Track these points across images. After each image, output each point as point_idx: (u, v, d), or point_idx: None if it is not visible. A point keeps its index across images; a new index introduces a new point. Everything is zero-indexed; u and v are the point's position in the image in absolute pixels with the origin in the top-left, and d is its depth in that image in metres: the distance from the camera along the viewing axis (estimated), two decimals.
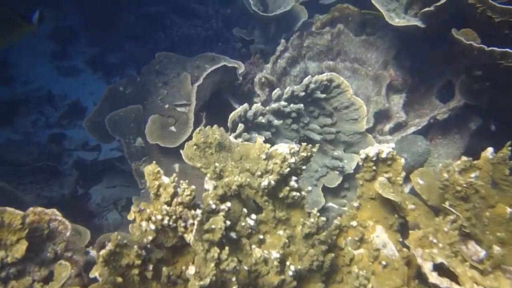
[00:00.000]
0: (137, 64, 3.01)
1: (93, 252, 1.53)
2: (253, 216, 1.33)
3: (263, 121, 1.77)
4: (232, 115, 1.67)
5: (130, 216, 1.09)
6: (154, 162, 1.15)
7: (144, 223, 1.08)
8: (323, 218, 1.32)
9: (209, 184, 1.39)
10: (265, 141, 1.84)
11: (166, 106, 2.03)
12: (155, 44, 2.96)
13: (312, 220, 1.30)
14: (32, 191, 2.33)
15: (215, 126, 1.54)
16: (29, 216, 1.11)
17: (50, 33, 3.71)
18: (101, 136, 2.10)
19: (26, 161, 2.37)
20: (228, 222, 1.23)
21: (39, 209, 1.13)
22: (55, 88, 3.21)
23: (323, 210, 1.93)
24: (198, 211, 1.14)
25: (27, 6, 2.25)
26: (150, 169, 1.14)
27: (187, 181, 1.15)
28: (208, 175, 1.39)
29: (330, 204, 1.99)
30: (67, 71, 3.42)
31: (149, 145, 1.96)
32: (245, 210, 1.34)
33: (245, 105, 1.72)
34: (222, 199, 1.31)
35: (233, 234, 1.29)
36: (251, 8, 2.36)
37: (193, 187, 1.14)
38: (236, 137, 1.63)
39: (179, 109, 2.01)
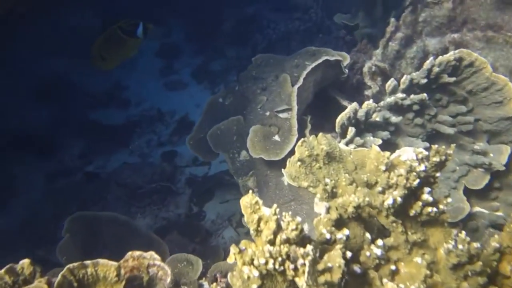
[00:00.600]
0: (238, 70, 2.92)
1: (206, 285, 1.43)
2: (380, 242, 1.08)
3: (378, 119, 1.49)
4: (340, 118, 1.43)
5: (230, 259, 0.94)
6: (250, 192, 0.98)
7: (246, 269, 0.91)
8: (476, 245, 1.01)
9: (320, 207, 1.18)
10: (384, 143, 1.57)
11: (267, 113, 1.87)
12: (253, 47, 2.83)
13: (460, 247, 1.01)
14: (150, 212, 2.37)
15: (320, 135, 1.32)
16: (128, 261, 1.02)
17: (157, 51, 3.85)
18: (205, 154, 2.03)
19: (142, 184, 2.43)
20: (349, 254, 1.01)
21: (138, 253, 1.04)
22: (164, 105, 3.29)
23: (469, 218, 1.57)
24: (309, 248, 0.93)
25: (131, 21, 2.30)
26: (246, 200, 0.97)
27: (290, 212, 0.95)
28: (318, 195, 1.18)
29: (477, 209, 1.62)
30: (174, 86, 3.49)
31: (253, 158, 1.82)
32: (368, 235, 1.10)
33: (354, 104, 1.46)
34: (338, 224, 1.09)
35: (356, 268, 1.06)
36: None
37: (298, 219, 0.94)
38: (347, 144, 1.39)
39: (281, 115, 1.83)
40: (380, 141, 1.40)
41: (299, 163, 1.23)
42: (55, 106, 2.99)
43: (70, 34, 3.22)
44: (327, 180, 1.20)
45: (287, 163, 1.26)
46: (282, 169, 1.23)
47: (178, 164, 2.68)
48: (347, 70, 1.88)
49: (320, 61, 1.72)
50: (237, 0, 3.87)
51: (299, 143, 1.28)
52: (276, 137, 1.79)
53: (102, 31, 2.39)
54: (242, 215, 0.93)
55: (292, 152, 1.68)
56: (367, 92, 1.89)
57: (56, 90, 2.95)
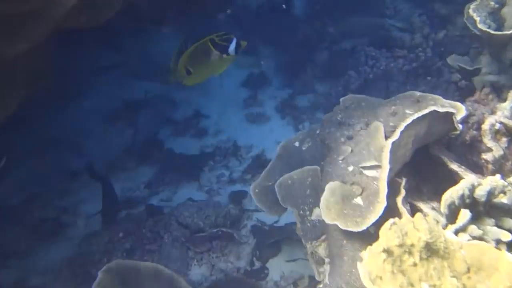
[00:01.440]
0: (326, 109, 2.63)
1: None
2: None
3: (504, 201, 1.09)
4: (449, 196, 1.05)
5: None
6: None
7: None
8: None
9: None
10: None
11: (350, 168, 1.54)
12: (345, 85, 2.53)
13: None
14: (208, 261, 2.13)
15: (418, 216, 0.98)
16: None
17: (244, 80, 3.70)
18: (271, 206, 1.75)
19: (204, 226, 2.21)
20: None
21: None
22: (242, 138, 3.10)
23: None
24: None
25: (224, 35, 2.14)
26: None
27: None
28: None
29: None
30: (256, 119, 3.29)
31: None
32: None
33: (472, 179, 1.08)
34: None
35: None
36: (476, 27, 1.70)
37: None
38: (457, 232, 1.01)
39: (367, 172, 1.48)
40: (509, 236, 1.00)
41: (384, 255, 0.90)
42: (130, 129, 2.95)
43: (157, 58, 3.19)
44: (425, 286, 0.86)
45: (367, 252, 0.93)
46: (358, 263, 0.90)
47: (246, 207, 2.42)
48: (461, 126, 1.48)
49: (426, 111, 1.36)
50: (335, 34, 3.61)
51: (387, 225, 0.95)
52: (358, 200, 1.44)
53: (181, 49, 2.29)
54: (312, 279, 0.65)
55: (376, 224, 1.33)
56: (486, 156, 1.48)
57: (132, 113, 2.90)
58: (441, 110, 1.37)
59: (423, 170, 1.58)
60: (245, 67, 3.93)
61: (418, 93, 1.69)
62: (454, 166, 1.48)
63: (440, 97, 1.62)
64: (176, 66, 2.18)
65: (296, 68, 3.62)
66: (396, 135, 1.36)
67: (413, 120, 1.35)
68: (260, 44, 4.05)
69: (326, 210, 1.41)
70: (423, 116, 1.37)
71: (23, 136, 2.55)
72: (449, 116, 1.42)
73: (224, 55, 2.17)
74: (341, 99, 1.86)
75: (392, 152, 1.35)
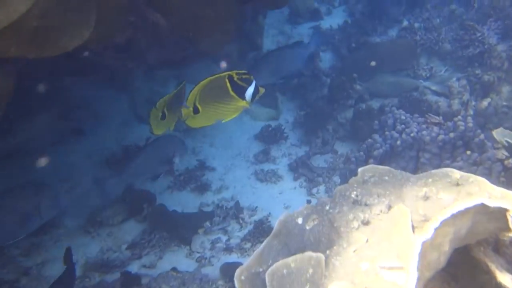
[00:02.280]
0: (343, 175, 2.30)
1: None
2: None
3: None
4: None
5: None
6: None
7: None
8: None
9: None
10: None
11: (364, 266, 1.17)
12: (368, 150, 2.19)
13: None
14: None
15: None
16: None
17: (258, 133, 3.42)
18: None
19: None
20: None
21: None
22: (247, 198, 2.77)
23: None
24: None
25: (243, 75, 1.87)
26: None
27: None
28: None
29: None
30: (266, 177, 2.97)
31: None
32: None
33: None
34: None
35: None
36: None
37: None
38: None
39: (385, 275, 1.12)
40: None
41: None
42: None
43: None
44: None
45: None
46: None
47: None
48: None
49: (469, 204, 1.01)
50: (362, 91, 3.34)
51: None
52: None
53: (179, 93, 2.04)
54: None
55: None
56: None
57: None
58: (492, 205, 1.02)
59: (461, 277, 1.21)
60: (261, 118, 3.68)
61: (457, 173, 1.34)
62: (504, 279, 1.11)
63: (486, 182, 1.27)
64: (170, 109, 1.93)
65: (316, 124, 3.34)
66: (428, 232, 1.01)
67: (453, 215, 1.00)
68: (280, 95, 3.82)
69: None
70: (466, 209, 1.02)
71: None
72: (501, 212, 1.06)
73: (241, 101, 1.89)
74: (359, 170, 1.53)
75: (422, 255, 1.00)
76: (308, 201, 2.61)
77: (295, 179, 2.98)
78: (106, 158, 2.87)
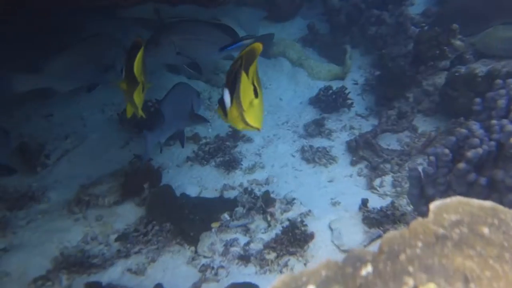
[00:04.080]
0: (414, 178, 1.59)
1: None
2: None
3: None
4: None
5: None
6: None
7: None
8: None
9: None
10: None
11: None
12: (457, 147, 1.44)
13: None
14: None
15: None
16: None
17: (314, 96, 2.73)
18: None
19: None
20: None
21: None
22: (285, 184, 2.16)
23: None
24: None
25: None
26: None
27: None
28: None
29: None
30: (314, 157, 2.32)
31: None
32: None
33: None
34: None
35: None
36: None
37: None
38: None
39: None
40: None
41: None
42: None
43: None
44: None
45: None
46: None
47: None
48: None
49: None
50: (464, 49, 2.47)
51: None
52: None
53: None
54: None
55: None
56: None
57: None
58: None
59: None
60: (322, 76, 2.96)
61: None
62: None
63: None
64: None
65: (392, 90, 2.56)
66: None
67: None
68: (349, 47, 3.04)
69: None
70: None
71: None
72: None
73: None
74: (433, 206, 0.85)
75: None
76: (364, 201, 1.93)
77: (353, 163, 2.29)
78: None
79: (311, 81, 2.95)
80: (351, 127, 2.55)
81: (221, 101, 1.14)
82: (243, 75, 1.11)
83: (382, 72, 2.64)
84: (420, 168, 1.56)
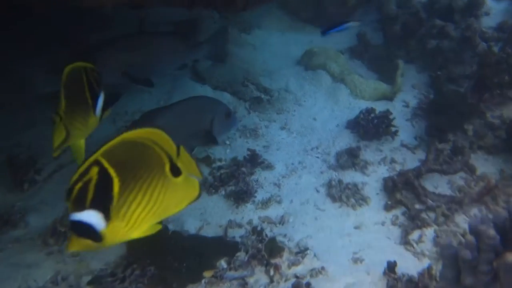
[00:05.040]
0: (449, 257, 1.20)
1: None
2: None
3: None
4: None
5: None
6: None
7: None
8: None
9: None
10: None
11: None
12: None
13: None
14: None
15: None
16: None
17: (353, 119, 2.36)
18: None
19: None
20: None
21: None
22: (302, 226, 1.83)
23: None
24: None
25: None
26: None
27: None
28: None
29: None
30: (342, 195, 1.97)
31: None
32: None
33: None
34: None
35: None
36: None
37: None
38: None
39: None
40: None
41: None
42: None
43: None
44: None
45: None
46: None
47: None
48: None
49: None
50: None
51: None
52: None
53: None
54: None
55: None
56: None
57: None
58: None
59: None
60: (367, 95, 2.57)
61: None
62: None
63: None
64: None
65: (447, 119, 2.14)
66: None
67: None
68: (402, 61, 2.63)
69: None
70: None
71: None
72: None
73: None
74: None
75: None
76: (390, 265, 1.55)
77: (388, 208, 1.90)
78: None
79: (353, 100, 2.56)
80: (392, 161, 2.15)
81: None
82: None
83: (436, 97, 2.21)
84: (455, 244, 1.17)
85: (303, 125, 2.43)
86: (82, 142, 1.34)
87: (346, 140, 2.29)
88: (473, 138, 2.09)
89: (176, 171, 0.95)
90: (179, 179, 0.95)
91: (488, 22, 2.66)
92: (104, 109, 1.38)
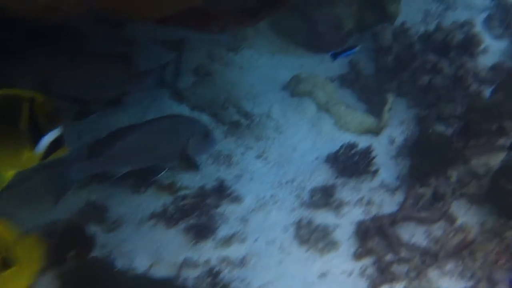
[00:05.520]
0: None
1: None
2: None
3: None
4: None
5: None
6: None
7: None
8: None
9: None
10: None
11: None
12: None
13: None
14: None
15: None
16: None
17: (333, 153, 2.25)
18: None
19: None
20: None
21: None
22: (262, 270, 1.71)
23: None
24: None
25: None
26: None
27: None
28: None
29: None
30: (310, 237, 1.86)
31: None
32: None
33: None
34: None
35: None
36: None
37: None
38: None
39: None
40: None
41: None
42: None
43: None
44: None
45: None
46: None
47: None
48: None
49: None
50: None
51: None
52: None
53: None
54: None
55: None
56: None
57: None
58: None
59: None
60: (352, 128, 2.46)
61: None
62: None
63: None
64: None
65: (430, 163, 2.01)
66: None
67: None
68: (392, 94, 2.53)
69: None
70: None
71: None
72: None
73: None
74: None
75: None
76: None
77: (358, 256, 1.78)
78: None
79: (337, 131, 2.44)
80: (369, 202, 2.02)
81: None
82: None
83: (421, 138, 2.10)
84: None
85: (281, 154, 2.31)
86: (9, 175, 1.23)
87: (323, 175, 2.17)
88: (456, 185, 1.97)
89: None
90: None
91: (485, 60, 2.55)
92: (57, 147, 1.25)
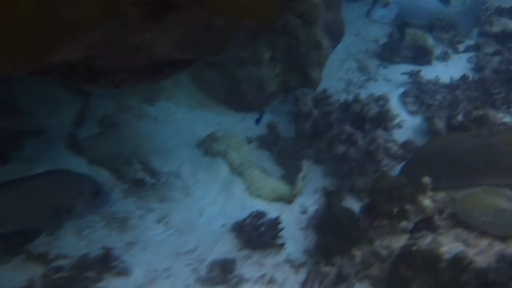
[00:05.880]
0: None
1: None
2: None
3: None
4: None
5: None
6: None
7: None
8: None
9: None
10: None
11: None
12: None
13: None
14: None
15: None
16: None
17: (239, 222, 2.12)
18: None
19: None
20: None
21: None
22: None
23: None
24: None
25: None
26: None
27: None
28: None
29: None
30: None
31: None
32: None
33: None
34: None
35: None
36: None
37: None
38: None
39: None
40: None
41: None
42: None
43: None
44: None
45: None
46: None
47: None
48: None
49: None
50: None
51: None
52: None
53: None
54: None
55: None
56: None
57: None
58: None
59: None
60: (264, 195, 2.35)
61: None
62: None
63: None
64: None
65: (335, 243, 1.93)
66: None
67: None
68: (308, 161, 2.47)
69: None
70: None
71: None
72: None
73: None
74: None
75: None
76: None
77: None
78: None
79: (248, 197, 2.33)
80: (271, 280, 1.89)
81: None
82: None
83: (327, 214, 2.02)
84: None
85: (185, 219, 2.14)
86: None
87: (227, 246, 2.02)
88: (360, 266, 1.88)
89: None
90: None
91: (399, 135, 2.58)
92: None
